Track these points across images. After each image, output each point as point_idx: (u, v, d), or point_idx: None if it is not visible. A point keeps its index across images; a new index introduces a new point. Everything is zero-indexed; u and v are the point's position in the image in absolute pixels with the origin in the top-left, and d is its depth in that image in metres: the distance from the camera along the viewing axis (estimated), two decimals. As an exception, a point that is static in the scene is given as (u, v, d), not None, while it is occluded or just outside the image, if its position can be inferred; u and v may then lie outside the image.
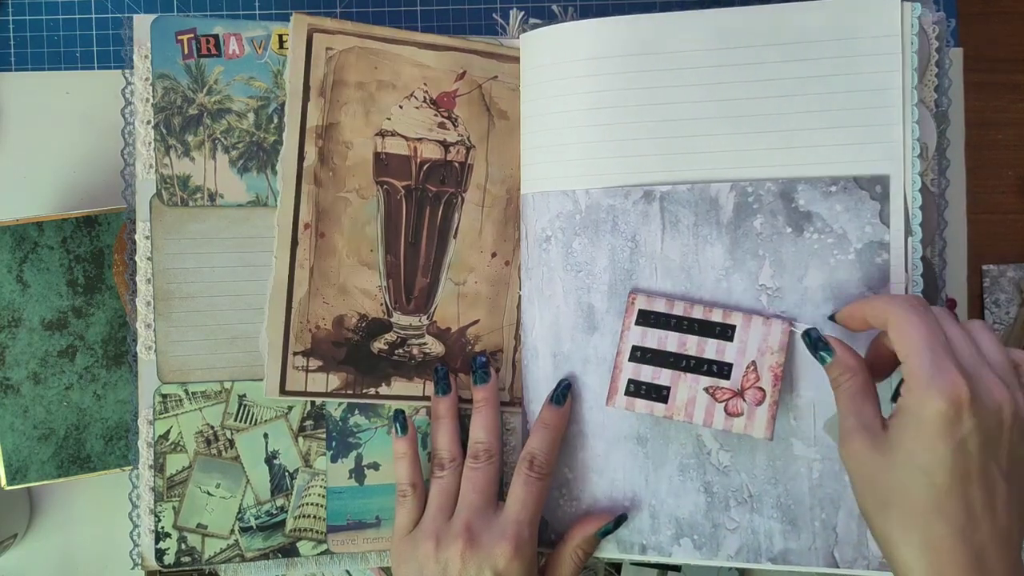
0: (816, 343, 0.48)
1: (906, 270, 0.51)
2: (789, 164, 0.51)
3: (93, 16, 0.63)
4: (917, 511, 0.42)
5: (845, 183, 0.51)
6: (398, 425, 0.55)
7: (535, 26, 0.55)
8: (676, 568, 0.59)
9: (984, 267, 0.63)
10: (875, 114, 0.51)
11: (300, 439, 0.56)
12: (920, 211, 0.51)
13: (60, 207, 0.62)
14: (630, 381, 0.52)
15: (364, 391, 0.56)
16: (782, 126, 0.51)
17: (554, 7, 0.57)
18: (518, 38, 0.55)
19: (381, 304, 0.55)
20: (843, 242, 0.51)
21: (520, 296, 0.56)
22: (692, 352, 0.52)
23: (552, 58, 0.54)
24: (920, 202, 0.51)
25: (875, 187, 0.51)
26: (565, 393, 0.54)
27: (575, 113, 0.53)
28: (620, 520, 0.53)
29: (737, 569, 0.60)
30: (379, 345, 0.55)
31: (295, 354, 0.54)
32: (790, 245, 0.52)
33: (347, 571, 0.59)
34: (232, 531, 0.55)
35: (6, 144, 0.62)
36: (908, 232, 0.51)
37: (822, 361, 0.48)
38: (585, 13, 0.60)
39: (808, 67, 0.51)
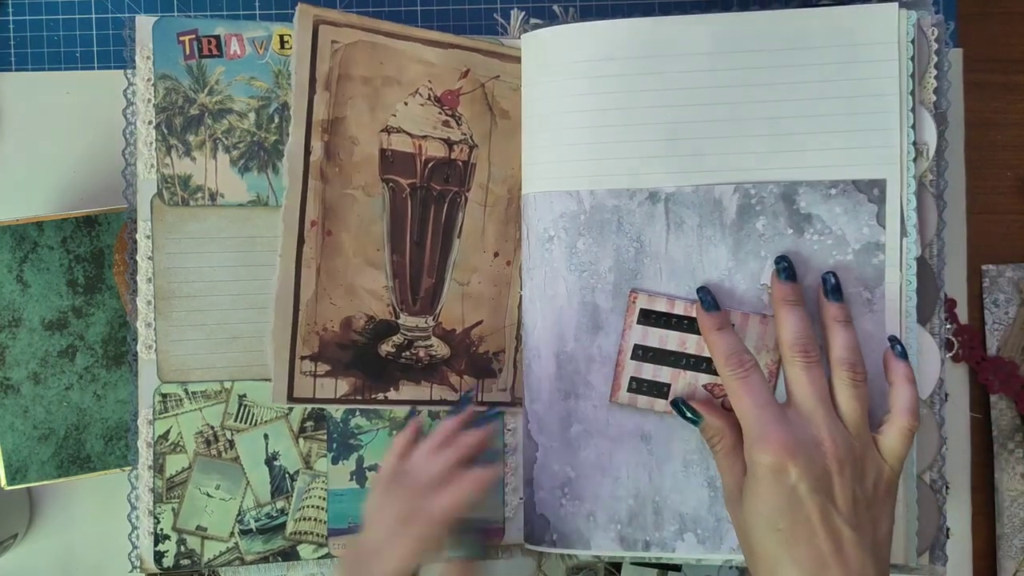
0: (683, 409, 0.51)
1: (900, 270, 0.51)
2: (790, 167, 0.52)
3: (93, 16, 0.63)
4: (773, 558, 0.46)
5: (844, 186, 0.52)
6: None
7: (536, 26, 0.55)
8: (676, 568, 0.59)
9: (983, 267, 0.63)
10: (873, 119, 0.51)
11: (301, 440, 0.55)
12: (915, 212, 0.51)
13: (60, 207, 0.62)
14: (632, 379, 0.53)
15: (373, 396, 0.55)
16: (783, 130, 0.52)
17: (555, 7, 0.57)
18: (519, 38, 0.56)
19: (388, 305, 0.55)
20: (842, 243, 0.52)
21: (521, 296, 0.56)
22: (692, 351, 0.52)
23: (554, 59, 0.54)
24: (914, 204, 0.51)
25: (873, 190, 0.51)
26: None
27: (577, 114, 0.53)
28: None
29: (737, 568, 0.60)
30: (386, 348, 0.55)
31: (303, 358, 0.54)
32: (791, 246, 0.52)
33: (347, 572, 0.59)
34: (232, 533, 0.55)
35: (6, 144, 0.62)
36: (903, 234, 0.51)
37: (693, 424, 0.51)
38: (585, 13, 0.61)
39: (808, 72, 0.52)
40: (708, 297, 0.51)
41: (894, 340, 0.51)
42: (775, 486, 0.46)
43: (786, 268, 0.51)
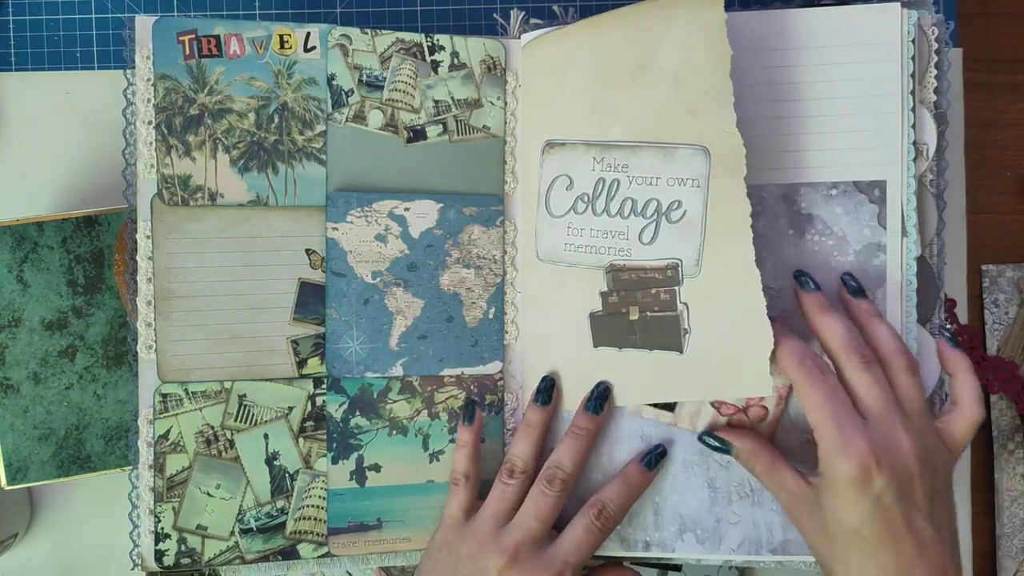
0: (710, 441, 0.51)
1: (901, 271, 0.51)
2: (791, 168, 0.52)
3: (93, 16, 0.63)
4: (856, 565, 0.45)
5: (845, 187, 0.52)
6: (466, 414, 0.54)
7: (536, 26, 0.55)
8: (676, 567, 0.59)
9: (983, 267, 0.63)
10: (874, 120, 0.51)
11: (301, 440, 0.55)
12: (915, 213, 0.51)
13: (60, 207, 0.62)
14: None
15: None
16: (784, 130, 0.52)
17: (555, 7, 0.57)
18: (519, 38, 0.55)
19: None
20: (843, 244, 0.52)
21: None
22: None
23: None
24: (915, 204, 0.51)
25: (873, 191, 0.51)
26: (659, 459, 0.53)
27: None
28: None
29: (737, 568, 0.60)
30: None
31: None
32: (792, 246, 0.52)
33: (348, 572, 0.59)
34: (232, 533, 0.55)
35: (6, 144, 0.62)
36: (903, 234, 0.51)
37: (725, 453, 0.50)
38: (586, 13, 0.60)
39: (808, 73, 0.52)
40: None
41: (943, 329, 0.50)
42: (859, 496, 0.45)
43: (809, 280, 0.50)
